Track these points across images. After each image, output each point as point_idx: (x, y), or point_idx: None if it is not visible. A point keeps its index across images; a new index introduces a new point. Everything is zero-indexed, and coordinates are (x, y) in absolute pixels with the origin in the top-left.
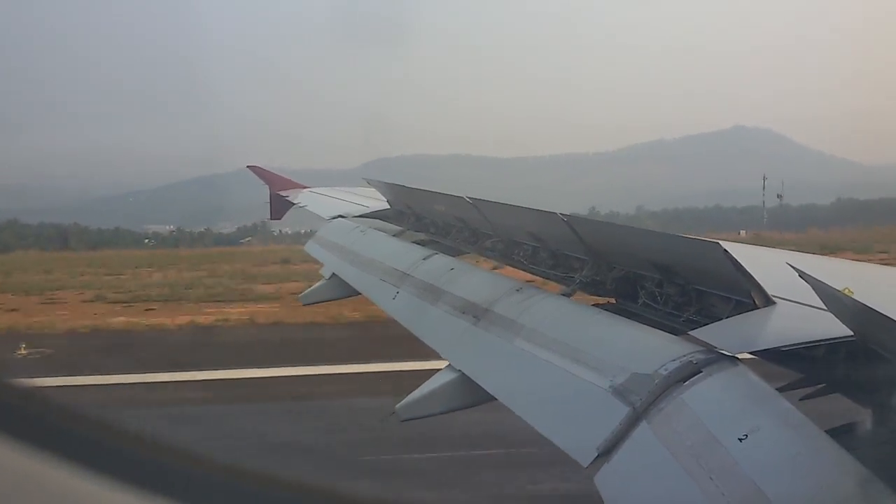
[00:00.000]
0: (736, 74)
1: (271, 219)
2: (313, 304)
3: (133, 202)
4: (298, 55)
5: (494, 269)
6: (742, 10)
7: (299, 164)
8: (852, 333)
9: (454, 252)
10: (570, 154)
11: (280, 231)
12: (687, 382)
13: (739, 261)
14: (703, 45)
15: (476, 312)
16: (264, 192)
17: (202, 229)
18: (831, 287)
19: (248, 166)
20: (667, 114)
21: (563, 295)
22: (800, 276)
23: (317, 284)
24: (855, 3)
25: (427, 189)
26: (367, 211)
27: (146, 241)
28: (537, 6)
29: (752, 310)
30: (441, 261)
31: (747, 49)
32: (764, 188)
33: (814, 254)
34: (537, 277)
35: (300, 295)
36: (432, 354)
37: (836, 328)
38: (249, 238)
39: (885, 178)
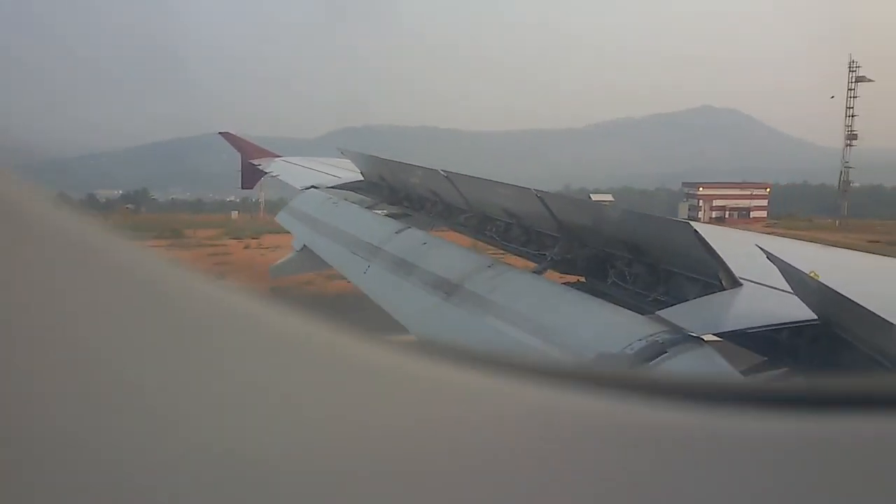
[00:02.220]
0: (705, 53)
1: (242, 188)
2: (284, 276)
3: (94, 165)
4: (267, 21)
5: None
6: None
7: (262, 131)
8: (817, 317)
9: (427, 226)
10: (537, 129)
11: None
12: (652, 362)
13: (709, 242)
14: (672, 22)
15: (447, 288)
16: (231, 158)
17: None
18: (798, 270)
19: (220, 133)
20: (634, 90)
21: (534, 272)
22: (768, 258)
23: (287, 256)
24: None
25: (400, 161)
26: (341, 182)
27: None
28: None
29: (719, 291)
30: (413, 235)
31: (716, 27)
32: None
33: (783, 236)
34: (510, 254)
35: (270, 267)
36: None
37: (801, 311)
38: (235, 212)
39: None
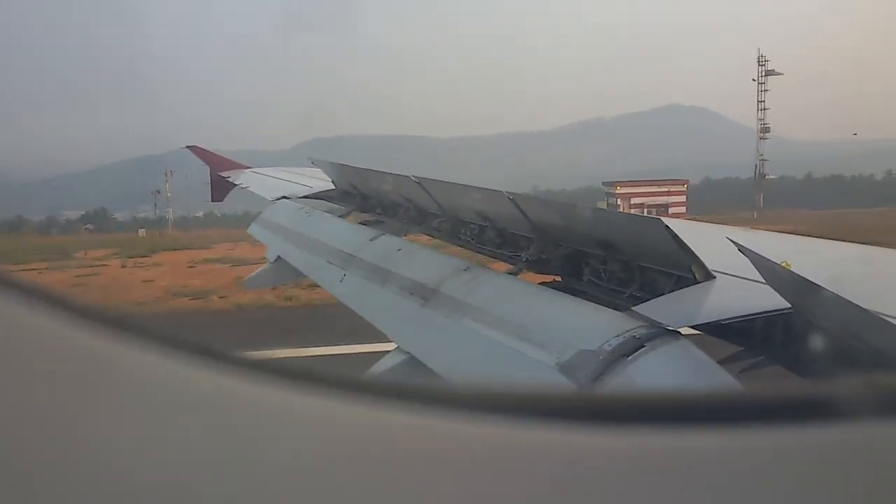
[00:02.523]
0: (670, 51)
1: (213, 200)
2: (257, 288)
3: (56, 187)
4: (234, 35)
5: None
6: None
7: (232, 145)
8: (790, 305)
9: (401, 232)
10: (508, 133)
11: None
12: (630, 357)
13: (681, 237)
14: (639, 22)
15: (424, 293)
16: (200, 172)
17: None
18: (769, 260)
19: (187, 146)
20: (605, 92)
21: (510, 274)
22: (739, 250)
23: (261, 268)
24: None
25: (371, 168)
26: (312, 191)
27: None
28: None
29: (693, 284)
30: (388, 241)
31: (681, 24)
32: None
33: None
34: (485, 256)
35: (244, 280)
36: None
37: (774, 301)
38: (142, 230)
39: (813, 154)
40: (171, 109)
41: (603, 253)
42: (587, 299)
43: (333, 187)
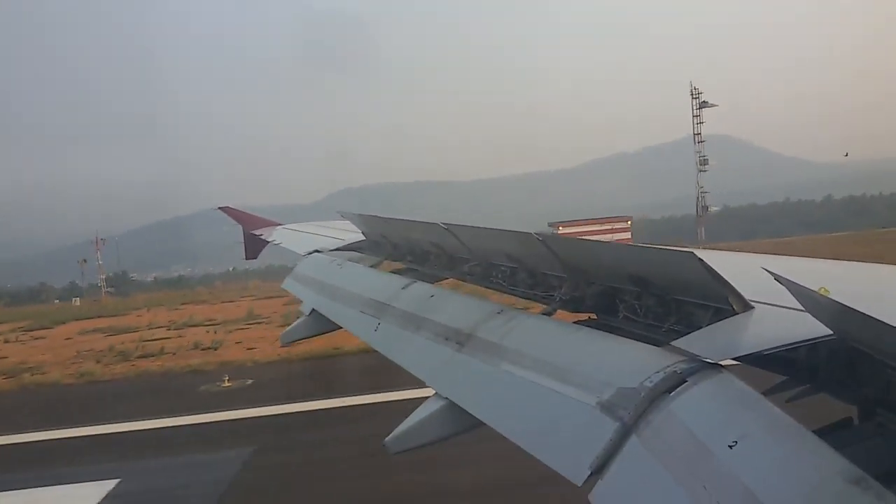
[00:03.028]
0: (692, 79)
1: (246, 258)
2: (293, 342)
3: (81, 253)
4: (256, 95)
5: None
6: (694, 13)
7: (262, 201)
8: (832, 333)
9: (433, 279)
10: (531, 173)
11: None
12: (673, 393)
13: (714, 268)
14: (660, 56)
15: (459, 338)
16: (226, 231)
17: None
18: (807, 288)
19: (219, 207)
20: (625, 127)
21: (544, 314)
22: (775, 279)
23: (297, 321)
24: (808, 7)
25: (398, 217)
26: (343, 244)
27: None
28: (492, 35)
29: (731, 316)
30: (420, 288)
31: (703, 54)
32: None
33: (787, 255)
34: (518, 298)
35: (281, 334)
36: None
37: (816, 328)
38: (76, 298)
39: (836, 175)
40: (202, 170)
41: (637, 288)
42: (624, 336)
43: (364, 238)
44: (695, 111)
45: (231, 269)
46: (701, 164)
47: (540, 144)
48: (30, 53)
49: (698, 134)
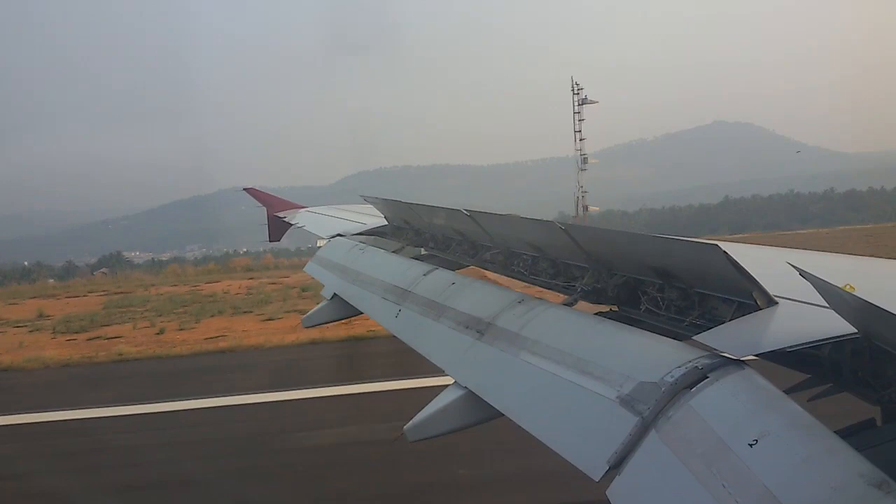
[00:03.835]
0: (716, 69)
1: (270, 241)
2: (315, 326)
3: (112, 229)
4: (274, 77)
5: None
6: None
7: (278, 182)
8: (857, 331)
9: (454, 266)
10: (549, 158)
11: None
12: (694, 389)
13: (739, 261)
14: (683, 43)
15: (479, 327)
16: (247, 212)
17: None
18: (832, 284)
19: (244, 189)
20: (645, 113)
21: (565, 304)
22: (800, 274)
23: (318, 306)
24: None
25: (421, 203)
26: (366, 228)
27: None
28: (514, 14)
29: (754, 311)
30: (442, 275)
31: (728, 43)
32: None
33: (814, 250)
34: (539, 287)
35: (302, 318)
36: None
37: (840, 326)
38: (104, 269)
39: (866, 165)
40: (221, 150)
41: (660, 280)
42: (645, 329)
43: (386, 223)
44: (575, 108)
45: (244, 250)
46: (582, 164)
47: (559, 128)
48: (63, 42)
49: (579, 131)
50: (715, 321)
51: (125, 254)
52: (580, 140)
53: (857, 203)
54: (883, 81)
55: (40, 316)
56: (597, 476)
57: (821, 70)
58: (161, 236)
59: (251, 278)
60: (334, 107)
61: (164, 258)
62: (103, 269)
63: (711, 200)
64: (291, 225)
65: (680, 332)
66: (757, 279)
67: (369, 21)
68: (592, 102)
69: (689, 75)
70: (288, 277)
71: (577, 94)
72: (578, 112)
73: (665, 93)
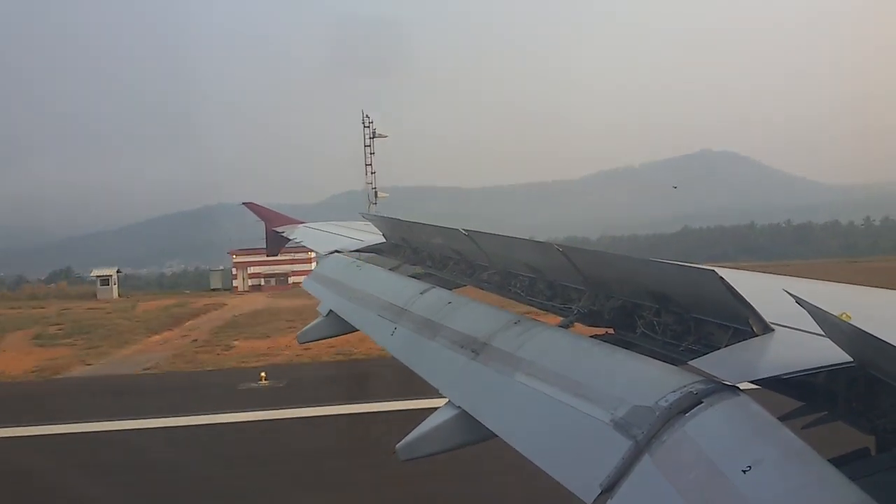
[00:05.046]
0: (703, 99)
1: (268, 255)
2: (310, 342)
3: (91, 244)
4: (260, 95)
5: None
6: (704, 32)
7: (263, 199)
8: (852, 359)
9: (451, 285)
10: (536, 183)
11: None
12: (688, 414)
13: (736, 287)
14: (668, 70)
15: (474, 346)
16: (233, 227)
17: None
18: (829, 313)
19: (244, 203)
20: (632, 141)
21: (561, 326)
22: (797, 302)
23: (314, 322)
24: (820, 24)
25: (421, 222)
26: (363, 245)
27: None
28: (500, 40)
29: (750, 337)
30: (438, 294)
31: (711, 72)
32: None
33: (809, 279)
34: (535, 309)
35: (298, 334)
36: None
37: (835, 354)
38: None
39: (848, 197)
40: (207, 166)
41: (656, 305)
42: (641, 353)
43: (384, 241)
44: (366, 141)
45: (221, 268)
46: (374, 199)
47: (547, 154)
48: (62, 54)
49: (369, 164)
50: (711, 347)
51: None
52: (371, 174)
53: (838, 232)
54: (871, 113)
55: None
56: (589, 499)
57: (809, 99)
58: (139, 252)
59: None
60: (320, 128)
61: (141, 273)
62: (51, 284)
63: (702, 225)
64: (289, 240)
65: (675, 357)
66: (753, 305)
67: (368, 41)
68: (382, 137)
69: (675, 104)
70: (43, 308)
71: (368, 126)
72: (369, 146)
73: (651, 122)
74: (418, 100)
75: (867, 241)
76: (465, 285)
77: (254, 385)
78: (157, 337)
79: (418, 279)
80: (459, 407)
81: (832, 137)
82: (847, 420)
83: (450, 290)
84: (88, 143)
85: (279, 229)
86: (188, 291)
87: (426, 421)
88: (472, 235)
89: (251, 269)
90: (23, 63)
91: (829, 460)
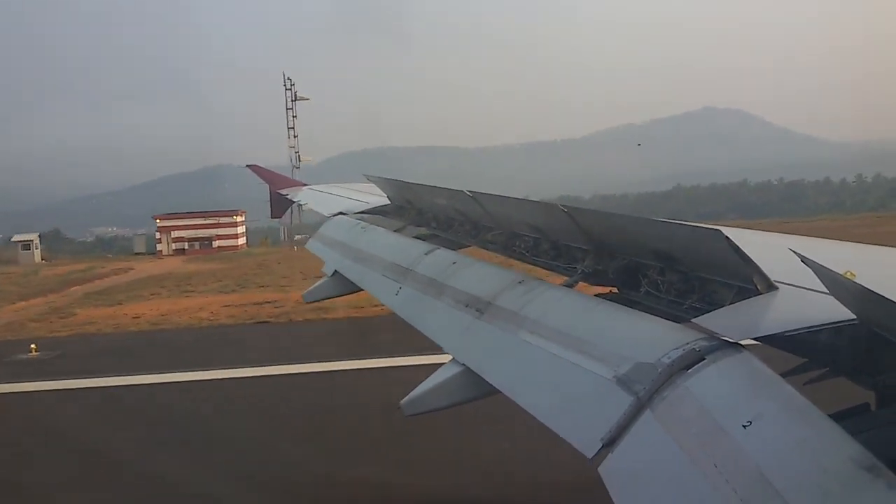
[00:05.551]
0: (706, 54)
1: (272, 217)
2: (316, 301)
3: (96, 203)
4: (259, 52)
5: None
6: None
7: (265, 160)
8: (855, 317)
9: (456, 246)
10: (536, 142)
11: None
12: (690, 370)
13: (741, 246)
14: (672, 24)
15: (479, 306)
16: (233, 188)
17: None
18: (833, 271)
19: (247, 166)
20: (634, 97)
21: (566, 286)
22: (801, 260)
23: (319, 282)
24: None
25: (425, 183)
26: (368, 207)
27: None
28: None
29: (754, 296)
30: (443, 255)
31: (717, 27)
32: None
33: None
34: (539, 269)
35: (304, 293)
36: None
37: (839, 312)
38: None
39: (854, 154)
40: (208, 127)
41: (661, 264)
42: (645, 311)
43: (388, 202)
44: (288, 104)
45: (143, 231)
46: (297, 163)
47: (547, 112)
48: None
49: (292, 128)
50: (714, 305)
51: (96, 229)
52: (294, 137)
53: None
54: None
55: None
56: (590, 453)
57: (817, 63)
58: (141, 213)
59: None
60: (321, 87)
61: (139, 233)
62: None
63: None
64: (294, 202)
65: (679, 315)
66: (757, 264)
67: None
68: (304, 99)
69: (678, 59)
70: None
71: (290, 89)
72: (291, 108)
73: (653, 78)
74: (420, 60)
75: (855, 198)
76: (469, 246)
77: (22, 356)
78: (22, 303)
79: (423, 240)
80: (463, 364)
81: (837, 92)
82: (849, 376)
83: (454, 250)
84: (86, 101)
85: (283, 191)
86: (111, 256)
87: (430, 378)
88: (476, 197)
89: (175, 234)
90: None
91: (829, 415)
